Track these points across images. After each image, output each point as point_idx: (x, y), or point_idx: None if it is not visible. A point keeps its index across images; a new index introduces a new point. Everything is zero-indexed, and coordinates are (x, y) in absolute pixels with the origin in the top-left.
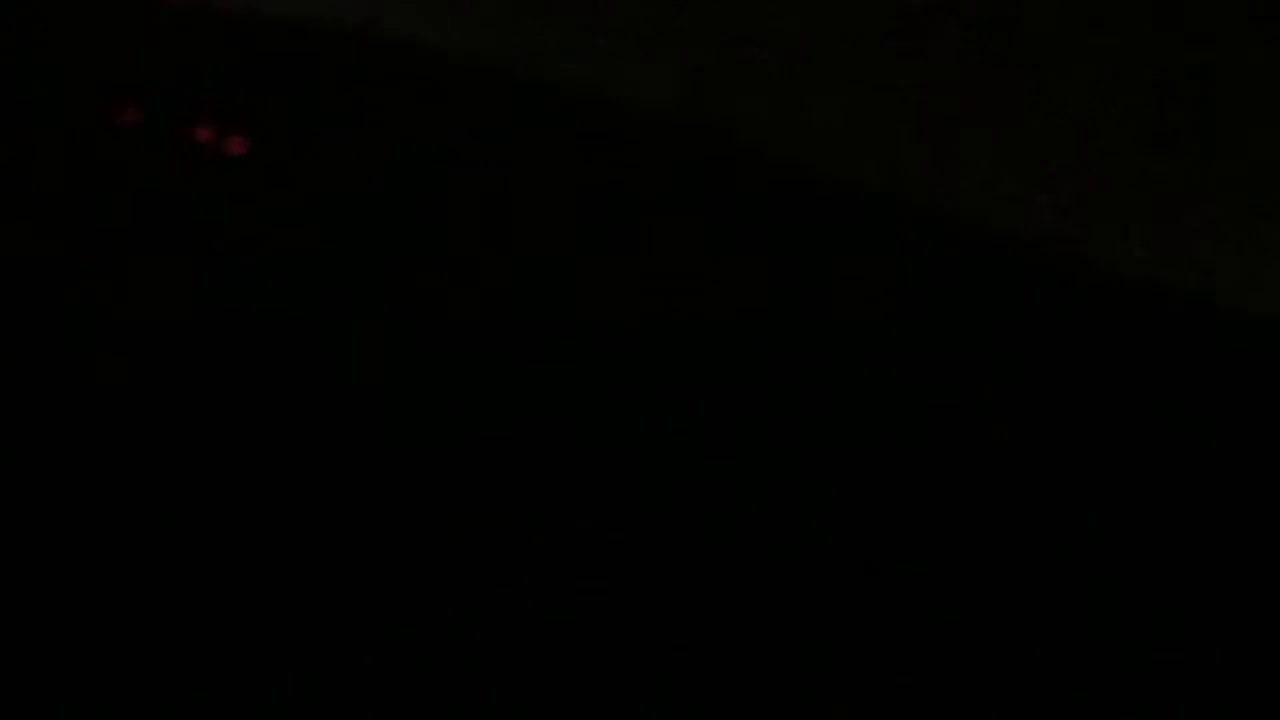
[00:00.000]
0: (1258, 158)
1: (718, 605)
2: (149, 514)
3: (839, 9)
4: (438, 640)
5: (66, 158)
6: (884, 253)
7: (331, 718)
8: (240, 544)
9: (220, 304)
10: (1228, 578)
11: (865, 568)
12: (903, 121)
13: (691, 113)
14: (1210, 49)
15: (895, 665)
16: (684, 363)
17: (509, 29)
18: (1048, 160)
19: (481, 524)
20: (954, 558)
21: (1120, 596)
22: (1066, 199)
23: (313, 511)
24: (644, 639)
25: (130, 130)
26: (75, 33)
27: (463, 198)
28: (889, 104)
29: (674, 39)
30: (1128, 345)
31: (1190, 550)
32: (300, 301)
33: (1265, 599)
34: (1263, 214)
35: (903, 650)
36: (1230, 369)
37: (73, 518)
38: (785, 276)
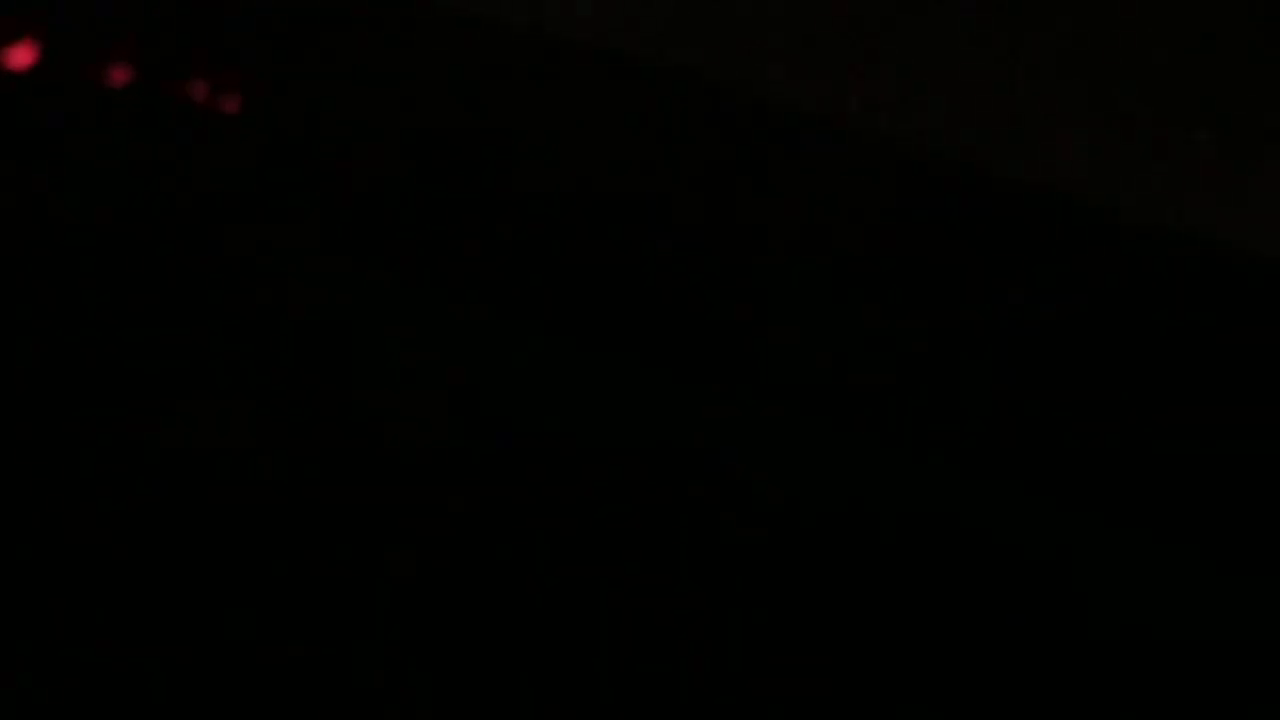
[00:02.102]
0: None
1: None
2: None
3: None
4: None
5: (58, 121)
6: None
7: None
8: (239, 534)
9: (215, 275)
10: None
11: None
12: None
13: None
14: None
15: (894, 670)
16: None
17: None
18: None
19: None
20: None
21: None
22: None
23: (312, 493)
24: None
25: (122, 90)
26: None
27: (460, 157)
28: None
29: None
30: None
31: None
32: (299, 273)
33: None
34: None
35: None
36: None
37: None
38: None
